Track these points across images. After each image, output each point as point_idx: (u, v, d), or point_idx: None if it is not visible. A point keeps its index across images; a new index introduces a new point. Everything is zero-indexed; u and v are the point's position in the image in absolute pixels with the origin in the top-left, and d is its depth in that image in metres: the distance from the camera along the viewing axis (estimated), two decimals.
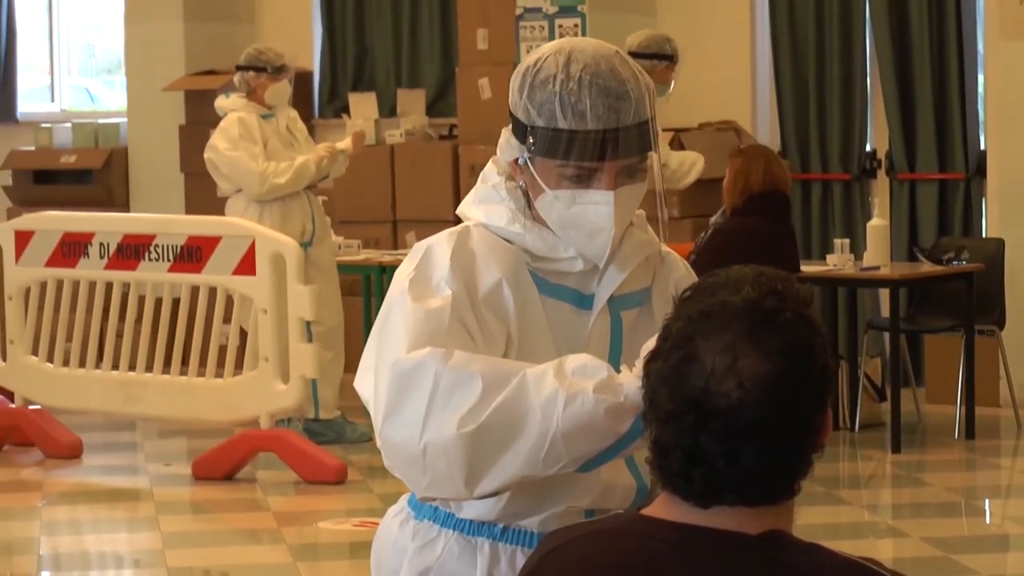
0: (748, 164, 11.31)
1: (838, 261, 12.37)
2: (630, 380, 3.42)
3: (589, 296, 3.84)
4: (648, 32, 12.68)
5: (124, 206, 15.49)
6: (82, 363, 12.36)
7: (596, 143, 3.72)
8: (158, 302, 12.11)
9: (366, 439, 11.50)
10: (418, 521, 3.85)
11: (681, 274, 3.93)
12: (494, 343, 3.74)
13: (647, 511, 3.03)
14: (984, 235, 13.39)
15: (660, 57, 12.28)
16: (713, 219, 11.47)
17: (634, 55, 12.01)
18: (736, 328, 2.88)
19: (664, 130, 13.62)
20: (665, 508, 3.00)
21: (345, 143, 12.70)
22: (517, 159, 3.83)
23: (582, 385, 3.47)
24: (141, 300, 12.20)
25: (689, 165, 12.36)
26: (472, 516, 3.78)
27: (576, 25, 14.38)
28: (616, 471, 3.71)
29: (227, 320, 11.74)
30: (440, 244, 3.83)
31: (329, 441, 11.97)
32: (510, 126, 3.88)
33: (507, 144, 3.89)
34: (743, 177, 11.23)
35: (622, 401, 3.45)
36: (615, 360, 3.76)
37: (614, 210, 3.75)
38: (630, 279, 3.86)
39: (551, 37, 14.46)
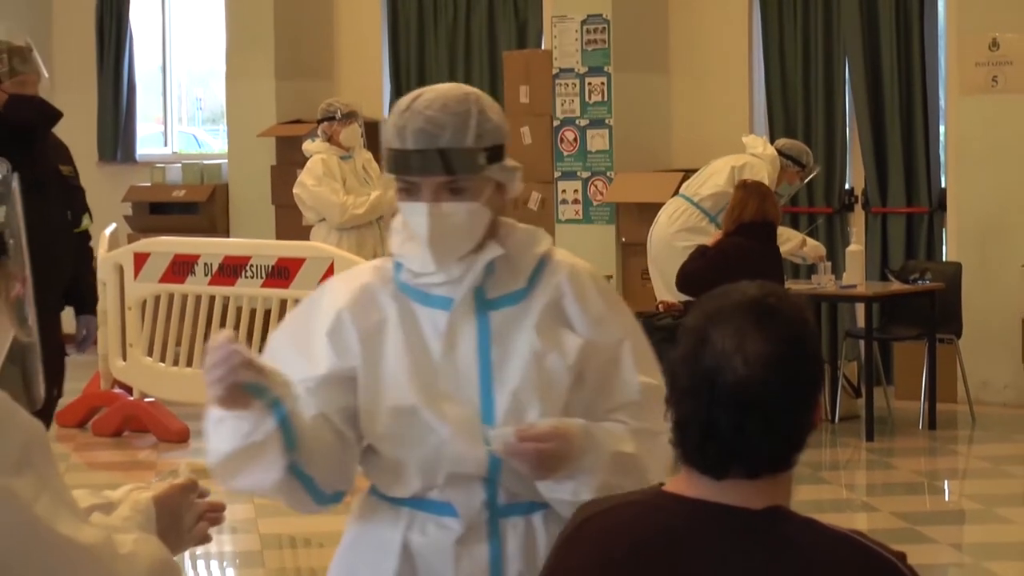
0: (746, 197, 11.26)
1: (821, 280, 12.33)
2: None
3: (450, 299, 3.74)
4: (796, 142, 12.75)
5: (224, 232, 15.50)
6: (189, 363, 12.39)
7: (408, 159, 3.70)
8: (252, 313, 12.22)
9: None
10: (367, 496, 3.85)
11: (562, 279, 3.79)
12: (340, 368, 3.72)
13: (668, 487, 3.00)
14: (944, 259, 13.33)
15: (794, 161, 12.32)
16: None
17: (779, 151, 12.19)
18: (743, 318, 2.88)
19: (672, 170, 13.64)
20: (684, 485, 2.97)
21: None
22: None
23: None
24: (238, 311, 12.27)
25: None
26: (393, 495, 3.76)
27: (603, 83, 14.33)
28: (471, 445, 3.63)
29: None
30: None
31: None
32: None
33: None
34: (739, 208, 11.19)
35: None
36: (485, 357, 3.72)
37: (428, 220, 3.68)
38: (500, 283, 3.76)
39: (582, 94, 14.43)
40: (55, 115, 8.31)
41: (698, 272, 10.82)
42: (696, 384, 2.88)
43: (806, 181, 12.67)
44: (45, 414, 8.19)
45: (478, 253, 3.73)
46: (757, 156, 12.18)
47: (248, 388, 3.48)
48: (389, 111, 13.91)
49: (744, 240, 10.98)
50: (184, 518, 3.10)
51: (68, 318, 8.51)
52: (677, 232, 12.06)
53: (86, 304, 8.61)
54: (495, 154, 3.76)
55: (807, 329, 2.95)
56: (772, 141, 13.03)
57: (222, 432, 3.60)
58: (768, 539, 2.91)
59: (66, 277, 8.30)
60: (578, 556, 3.02)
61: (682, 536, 2.93)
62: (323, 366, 3.70)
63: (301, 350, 3.76)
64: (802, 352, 2.90)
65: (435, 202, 3.69)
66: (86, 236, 8.62)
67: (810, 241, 12.61)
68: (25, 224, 7.89)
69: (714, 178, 12.19)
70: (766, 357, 2.86)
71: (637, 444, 3.72)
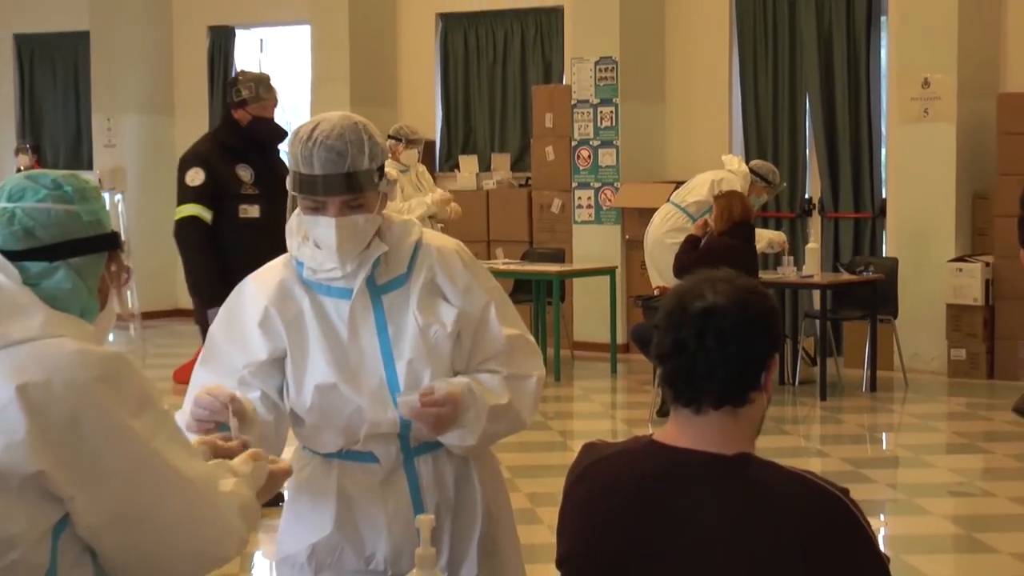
0: (730, 202, 11.26)
1: (786, 271, 12.29)
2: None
3: (349, 289, 3.71)
4: (766, 163, 12.66)
5: None
6: None
7: (317, 183, 3.63)
8: None
9: None
10: (300, 450, 3.85)
11: (433, 260, 3.75)
12: (270, 353, 3.70)
13: (656, 437, 3.00)
14: (884, 255, 13.28)
15: (762, 178, 12.27)
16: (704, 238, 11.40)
17: (751, 170, 12.17)
18: (720, 282, 2.93)
19: (666, 182, 13.61)
20: (669, 435, 2.98)
21: (440, 194, 12.69)
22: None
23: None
24: None
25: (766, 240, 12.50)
26: (322, 451, 3.79)
27: (611, 111, 14.30)
28: (383, 410, 3.66)
29: None
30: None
31: None
32: None
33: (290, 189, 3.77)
34: (728, 211, 11.17)
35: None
36: (384, 335, 3.71)
37: (336, 231, 3.63)
38: (386, 271, 3.73)
39: (595, 120, 14.40)
40: (284, 133, 8.30)
41: (691, 262, 10.83)
42: (674, 319, 2.92)
43: (773, 196, 12.61)
44: None
45: (367, 250, 3.70)
46: (733, 172, 12.17)
47: (222, 428, 3.47)
48: (440, 132, 13.94)
49: (730, 239, 10.99)
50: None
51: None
52: (667, 232, 12.08)
53: None
54: (382, 171, 3.73)
55: (762, 293, 2.97)
56: (748, 160, 13.01)
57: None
58: (738, 479, 2.90)
59: None
60: (584, 493, 3.04)
61: (668, 478, 2.93)
62: (261, 352, 3.70)
63: (238, 341, 3.73)
64: (762, 305, 2.94)
65: (340, 216, 3.64)
66: None
67: (768, 233, 12.59)
68: (267, 219, 8.02)
69: (697, 189, 12.20)
70: (731, 295, 2.90)
71: (510, 392, 3.74)
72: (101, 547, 2.70)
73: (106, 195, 3.28)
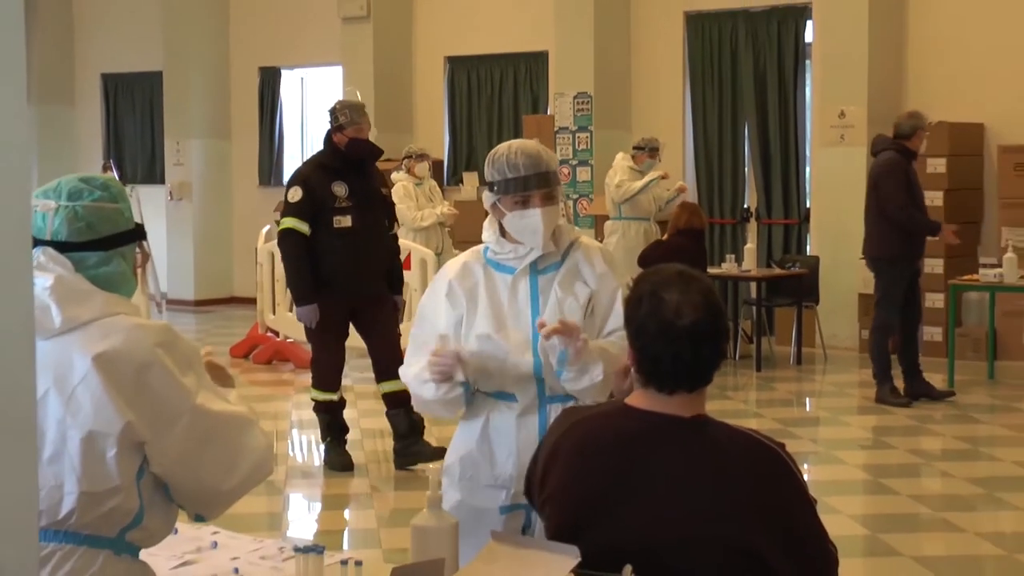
0: (679, 214, 11.34)
1: (728, 267, 12.32)
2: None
3: (515, 268, 3.97)
4: (644, 137, 12.69)
5: None
6: None
7: (524, 181, 3.87)
8: None
9: None
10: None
11: (580, 253, 4.00)
12: (453, 316, 3.95)
13: (629, 401, 3.03)
14: (808, 254, 13.29)
15: (638, 148, 12.37)
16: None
17: (633, 146, 12.18)
18: (678, 283, 2.93)
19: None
20: (638, 400, 3.00)
21: (447, 207, 12.74)
22: (492, 203, 3.95)
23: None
24: None
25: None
26: (484, 389, 4.01)
27: (587, 137, 14.30)
28: (524, 356, 3.91)
29: None
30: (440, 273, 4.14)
31: None
32: (486, 189, 4.01)
33: (485, 197, 3.98)
34: (675, 220, 11.30)
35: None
36: (535, 303, 3.94)
37: (541, 220, 3.87)
38: (545, 258, 3.96)
39: (573, 143, 14.39)
40: (379, 152, 8.25)
41: (654, 257, 10.92)
42: (659, 329, 2.90)
43: (656, 157, 12.49)
44: (391, 353, 8.06)
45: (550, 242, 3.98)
46: (617, 163, 12.46)
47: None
48: (448, 152, 13.87)
49: (684, 240, 11.08)
50: None
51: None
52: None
53: (395, 286, 8.26)
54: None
55: (713, 288, 2.98)
56: (698, 178, 12.99)
57: (425, 388, 3.87)
58: (697, 436, 2.94)
59: (384, 266, 8.17)
60: (570, 447, 3.06)
61: (641, 435, 2.96)
62: (449, 316, 3.95)
63: (433, 310, 4.00)
64: (716, 301, 2.95)
65: (542, 206, 3.89)
66: (395, 237, 8.44)
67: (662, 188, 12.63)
68: (358, 227, 7.98)
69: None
70: (703, 306, 2.90)
71: (621, 353, 3.78)
72: (173, 480, 2.74)
73: (130, 193, 3.36)
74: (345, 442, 8.38)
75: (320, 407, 8.33)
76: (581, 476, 3.00)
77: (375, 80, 15.88)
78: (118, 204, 2.83)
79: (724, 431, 2.97)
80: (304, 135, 17.80)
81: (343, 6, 16.01)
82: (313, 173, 7.98)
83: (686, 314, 2.88)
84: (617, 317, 3.87)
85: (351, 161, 7.97)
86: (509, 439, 3.92)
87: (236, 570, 3.43)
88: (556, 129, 14.54)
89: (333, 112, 8.09)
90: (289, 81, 17.54)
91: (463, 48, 15.84)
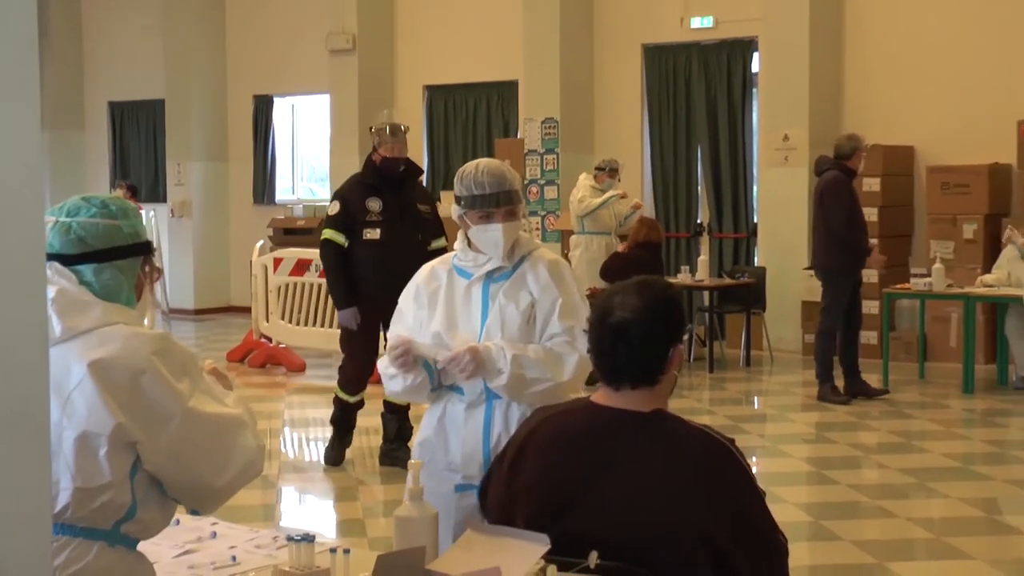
0: (638, 228, 11.35)
1: (683, 277, 12.32)
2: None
3: (471, 274, 4.04)
4: (609, 158, 12.59)
5: None
6: (306, 323, 12.36)
7: (488, 199, 3.94)
8: None
9: None
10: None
11: (528, 264, 4.03)
12: (419, 315, 4.06)
13: (593, 398, 3.04)
14: (755, 265, 13.33)
15: (599, 169, 12.32)
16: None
17: (595, 167, 12.16)
18: (632, 289, 2.98)
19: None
20: (601, 398, 3.02)
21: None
22: (459, 215, 4.02)
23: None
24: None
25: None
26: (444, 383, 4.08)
27: (554, 158, 14.32)
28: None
29: None
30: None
31: None
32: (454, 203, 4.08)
33: (453, 210, 4.05)
34: (635, 234, 11.31)
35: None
36: (484, 307, 3.99)
37: (502, 234, 3.94)
38: (499, 268, 4.01)
39: (541, 164, 14.40)
40: (419, 171, 8.16)
41: (614, 268, 10.94)
42: (603, 328, 2.95)
43: (616, 177, 12.42)
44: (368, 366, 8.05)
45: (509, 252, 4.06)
46: (580, 183, 12.37)
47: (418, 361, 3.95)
48: (429, 175, 13.83)
49: (642, 252, 11.09)
50: None
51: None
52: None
53: None
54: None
55: (668, 296, 2.98)
56: (655, 196, 13.01)
57: (394, 381, 4.01)
58: (654, 429, 2.94)
59: (409, 276, 8.06)
60: (540, 440, 3.06)
61: (605, 428, 2.97)
62: (413, 318, 4.06)
63: (406, 312, 4.10)
64: (661, 306, 2.95)
65: (504, 222, 3.96)
66: (439, 252, 8.10)
67: (622, 205, 12.53)
68: (386, 240, 7.88)
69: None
70: (638, 308, 2.93)
71: (545, 355, 3.94)
72: (166, 477, 2.71)
73: (144, 214, 3.37)
74: (347, 441, 8.30)
75: (338, 403, 8.28)
76: (552, 469, 3.00)
77: (360, 107, 15.87)
78: (116, 221, 2.80)
79: (680, 425, 2.96)
80: (295, 158, 17.78)
81: (330, 39, 16.00)
82: (351, 189, 7.93)
83: (616, 313, 2.93)
84: (555, 324, 3.95)
85: (386, 178, 7.86)
86: (459, 428, 4.00)
87: (234, 558, 3.41)
88: (525, 151, 14.54)
89: (372, 133, 8.05)
90: (281, 108, 17.50)
91: (441, 77, 15.83)
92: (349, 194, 7.90)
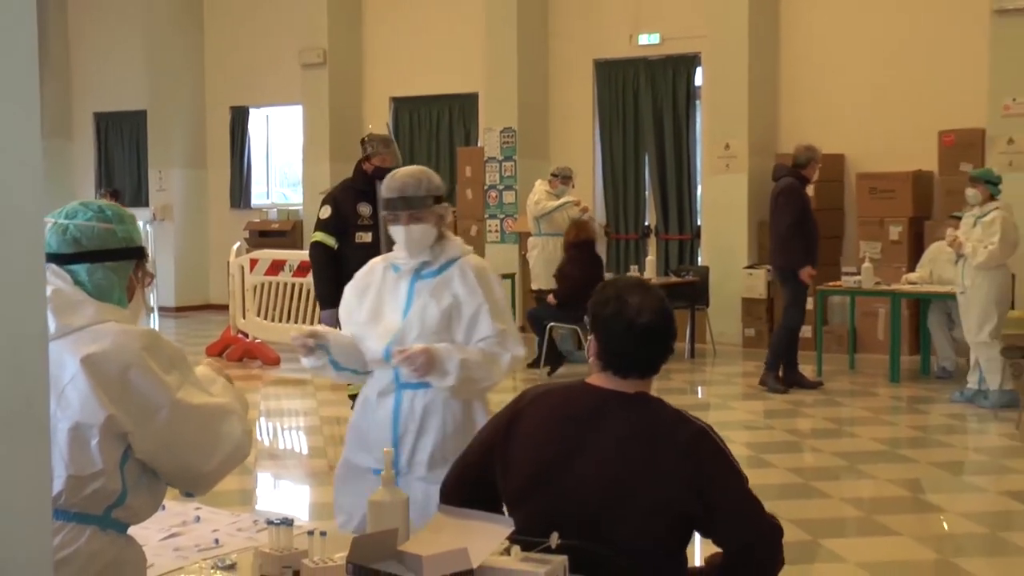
0: (571, 229, 11.42)
1: (632, 275, 12.31)
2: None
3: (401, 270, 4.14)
4: (563, 166, 12.61)
5: (301, 248, 15.35)
6: (280, 319, 12.31)
7: (390, 203, 4.05)
8: (310, 292, 11.92)
9: None
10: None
11: (456, 268, 4.09)
12: (350, 304, 4.17)
13: (588, 380, 3.07)
14: (699, 264, 13.37)
15: (553, 175, 12.32)
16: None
17: (551, 174, 12.13)
18: (639, 290, 3.03)
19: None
20: (596, 380, 3.05)
21: None
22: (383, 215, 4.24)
23: None
24: (305, 292, 12.03)
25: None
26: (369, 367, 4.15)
27: (512, 165, 14.31)
28: (380, 347, 4.05)
29: None
30: None
31: None
32: None
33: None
34: (567, 236, 11.36)
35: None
36: (408, 301, 4.04)
37: (404, 235, 4.04)
38: (428, 267, 4.07)
39: (500, 171, 14.39)
40: None
41: (563, 270, 11.03)
42: (623, 329, 2.97)
43: (569, 183, 12.48)
44: None
45: (428, 252, 4.09)
46: (536, 188, 12.35)
47: (318, 346, 3.99)
48: None
49: (577, 251, 11.19)
50: None
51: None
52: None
53: None
54: (437, 200, 4.08)
55: (665, 296, 3.05)
56: (606, 200, 13.01)
57: (305, 359, 4.07)
58: (639, 407, 2.98)
59: None
60: (531, 415, 3.09)
61: (596, 406, 3.00)
62: (347, 307, 4.17)
63: (344, 299, 4.20)
64: (668, 307, 3.03)
65: (407, 225, 4.02)
66: None
67: (575, 210, 12.47)
68: (376, 243, 7.82)
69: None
70: (658, 311, 2.99)
71: (483, 358, 3.99)
72: (157, 463, 2.70)
73: (142, 223, 3.40)
74: None
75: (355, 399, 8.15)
76: (547, 438, 3.02)
77: (330, 118, 15.83)
78: (111, 225, 2.79)
79: (661, 405, 3.01)
80: (269, 165, 17.70)
81: (303, 54, 15.95)
82: (342, 194, 7.81)
83: (645, 315, 2.96)
84: (485, 327, 4.00)
85: (376, 185, 7.82)
86: (373, 413, 4.07)
87: (217, 540, 3.40)
88: (485, 159, 14.53)
89: (363, 143, 7.95)
90: (256, 119, 17.41)
91: (406, 90, 15.79)
92: (341, 199, 7.77)
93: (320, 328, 4.08)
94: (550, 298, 11.34)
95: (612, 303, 3.00)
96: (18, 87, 1.59)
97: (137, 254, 2.84)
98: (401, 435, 3.95)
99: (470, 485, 3.12)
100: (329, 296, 7.68)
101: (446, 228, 4.20)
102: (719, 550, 3.04)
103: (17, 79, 1.59)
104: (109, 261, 2.77)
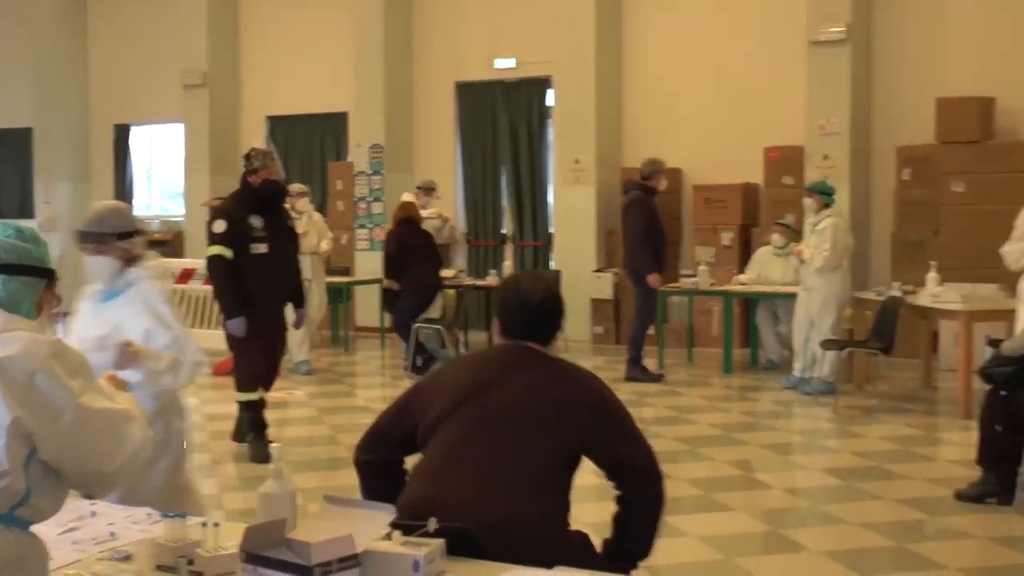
0: (396, 210, 11.74)
1: (491, 279, 12.24)
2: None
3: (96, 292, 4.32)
4: (427, 179, 12.67)
5: (183, 256, 15.11)
6: (192, 326, 12.02)
7: (81, 235, 4.22)
8: (197, 298, 11.66)
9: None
10: None
11: (134, 292, 4.23)
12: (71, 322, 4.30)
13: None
14: (552, 268, 13.46)
15: (420, 189, 12.21)
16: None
17: (417, 186, 11.98)
18: (532, 277, 3.48)
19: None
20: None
21: (327, 243, 11.98)
22: None
23: None
24: (196, 300, 11.76)
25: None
26: None
27: (380, 179, 14.18)
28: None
29: None
30: None
31: None
32: None
33: None
34: (394, 217, 11.48)
35: None
36: (104, 319, 4.20)
37: (89, 264, 4.24)
38: (113, 290, 4.25)
39: (369, 184, 14.31)
40: (286, 191, 8.10)
41: (389, 251, 11.15)
42: (518, 305, 3.32)
43: (433, 195, 12.56)
44: (274, 363, 7.82)
45: (115, 279, 4.27)
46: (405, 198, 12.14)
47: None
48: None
49: (402, 230, 11.16)
50: None
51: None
52: None
53: (298, 300, 7.85)
54: (122, 236, 4.22)
55: (552, 281, 3.47)
56: (466, 210, 13.01)
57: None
58: (545, 360, 3.29)
59: (291, 285, 7.81)
60: (450, 369, 3.39)
61: (513, 353, 3.30)
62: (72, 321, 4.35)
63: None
64: (556, 289, 3.43)
65: (91, 256, 4.22)
66: (297, 261, 7.98)
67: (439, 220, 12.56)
68: (272, 254, 7.61)
69: None
70: (543, 290, 3.36)
71: (171, 361, 4.21)
72: (60, 464, 2.65)
73: (50, 239, 3.43)
74: (266, 437, 7.76)
75: (244, 406, 7.79)
76: (467, 379, 3.24)
77: (210, 135, 15.60)
78: (28, 245, 2.76)
79: (561, 361, 3.31)
80: (151, 180, 17.37)
81: (184, 75, 15.69)
82: (234, 208, 7.55)
83: (538, 295, 3.32)
84: (161, 338, 4.19)
85: (265, 197, 7.56)
86: None
87: (112, 534, 3.34)
88: (355, 173, 14.46)
89: (248, 157, 7.69)
90: (138, 136, 17.08)
91: (281, 109, 15.64)
92: (234, 213, 7.50)
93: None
94: (386, 283, 11.26)
95: (511, 288, 3.37)
96: None
97: (49, 275, 2.81)
98: None
99: (383, 443, 3.33)
100: (235, 306, 7.44)
101: (138, 257, 4.31)
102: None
103: None
104: (24, 276, 2.74)
